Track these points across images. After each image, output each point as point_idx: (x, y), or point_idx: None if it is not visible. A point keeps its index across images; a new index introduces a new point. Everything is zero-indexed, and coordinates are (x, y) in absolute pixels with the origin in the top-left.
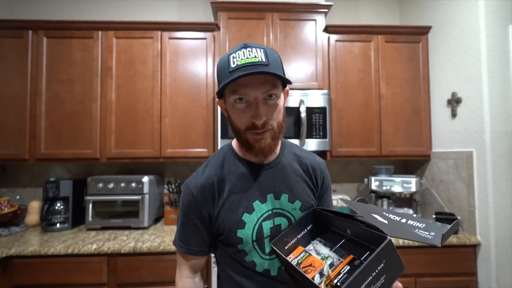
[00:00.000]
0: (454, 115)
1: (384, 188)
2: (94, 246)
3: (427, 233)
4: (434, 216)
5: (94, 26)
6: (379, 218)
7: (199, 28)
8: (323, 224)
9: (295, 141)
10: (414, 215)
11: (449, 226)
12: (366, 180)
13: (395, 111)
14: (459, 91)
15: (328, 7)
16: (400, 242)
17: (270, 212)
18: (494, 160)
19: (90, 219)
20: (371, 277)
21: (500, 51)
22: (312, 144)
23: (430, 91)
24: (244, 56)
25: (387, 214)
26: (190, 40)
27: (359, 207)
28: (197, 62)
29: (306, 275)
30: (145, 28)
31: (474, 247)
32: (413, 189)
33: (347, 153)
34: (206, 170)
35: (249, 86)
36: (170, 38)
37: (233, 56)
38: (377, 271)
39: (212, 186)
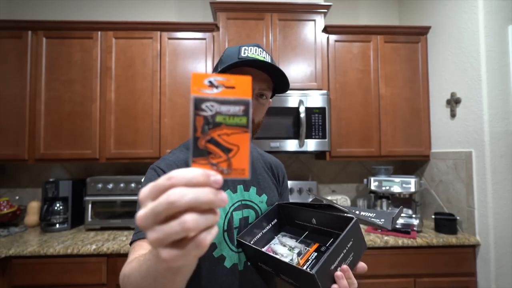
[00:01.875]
0: (453, 115)
1: (383, 188)
2: (94, 247)
3: (378, 220)
4: (433, 216)
5: (93, 27)
6: (342, 208)
7: (198, 29)
8: (287, 218)
9: (294, 142)
10: (367, 209)
11: (396, 212)
12: (365, 180)
13: (394, 111)
14: (458, 92)
15: (327, 7)
16: (399, 242)
17: (239, 203)
18: (493, 160)
19: (89, 219)
20: (342, 254)
21: (499, 52)
22: (311, 145)
23: (429, 91)
24: (255, 53)
25: (344, 209)
26: (189, 41)
27: (325, 200)
28: (196, 62)
29: (280, 258)
30: (145, 28)
31: (474, 247)
32: (413, 189)
33: (346, 153)
34: (175, 154)
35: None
36: (169, 39)
37: (245, 48)
38: (347, 248)
39: (183, 167)
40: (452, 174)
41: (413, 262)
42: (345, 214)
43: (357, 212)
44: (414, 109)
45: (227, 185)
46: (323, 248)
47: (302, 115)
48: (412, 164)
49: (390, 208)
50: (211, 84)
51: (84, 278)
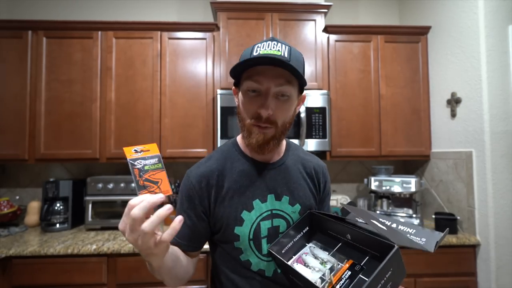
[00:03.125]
0: (453, 115)
1: (384, 188)
2: (94, 247)
3: (419, 239)
4: (433, 216)
5: (93, 26)
6: (379, 225)
7: (198, 28)
8: (319, 227)
9: (295, 141)
10: (402, 220)
11: (441, 234)
12: (365, 180)
13: (395, 111)
14: (459, 91)
15: (327, 7)
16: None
17: (269, 212)
18: (493, 160)
19: (89, 219)
20: (380, 284)
21: (500, 52)
22: (311, 144)
23: (430, 91)
24: (268, 48)
25: (382, 220)
26: (189, 40)
27: (358, 212)
28: (196, 62)
29: (308, 279)
30: (145, 28)
31: (474, 247)
32: (413, 189)
33: (346, 153)
34: (208, 162)
35: (264, 75)
36: (169, 38)
37: (258, 46)
38: (385, 279)
39: (213, 179)
40: (452, 174)
41: (414, 262)
42: (385, 237)
43: (394, 225)
44: (414, 109)
45: (256, 195)
46: (357, 267)
47: (303, 115)
48: (412, 164)
49: (390, 208)
50: (136, 151)
51: (84, 278)
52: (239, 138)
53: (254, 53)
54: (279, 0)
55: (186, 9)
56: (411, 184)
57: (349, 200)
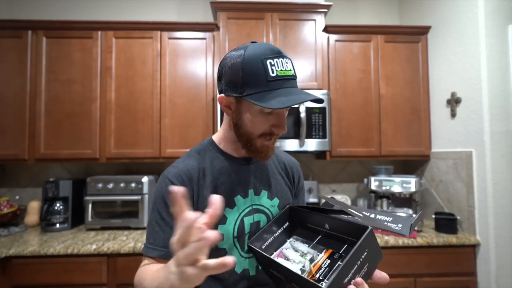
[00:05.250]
0: (453, 115)
1: (384, 188)
2: (94, 246)
3: (395, 225)
4: (433, 216)
5: (93, 26)
6: (355, 212)
7: (198, 28)
8: (299, 222)
9: (295, 141)
10: (380, 211)
11: (415, 218)
12: (365, 180)
13: (395, 111)
14: (459, 91)
15: (327, 7)
16: (400, 242)
17: (250, 208)
18: (493, 160)
19: (89, 219)
20: (356, 265)
21: (500, 51)
22: (311, 144)
23: (430, 91)
24: (282, 67)
25: (361, 212)
26: (189, 40)
27: (338, 205)
28: (196, 62)
29: (289, 268)
30: (145, 28)
31: (474, 247)
32: (413, 189)
33: (346, 153)
34: (186, 161)
35: None
36: (169, 38)
37: (270, 62)
38: (361, 259)
39: (193, 176)
40: (452, 174)
41: (414, 261)
42: (360, 222)
43: (372, 215)
44: (414, 109)
45: (237, 191)
46: (336, 255)
47: (303, 115)
48: (412, 164)
49: (390, 208)
50: None
51: (84, 278)
52: (215, 137)
53: (271, 74)
54: (279, 0)
55: (186, 9)
56: (411, 184)
57: (348, 200)
